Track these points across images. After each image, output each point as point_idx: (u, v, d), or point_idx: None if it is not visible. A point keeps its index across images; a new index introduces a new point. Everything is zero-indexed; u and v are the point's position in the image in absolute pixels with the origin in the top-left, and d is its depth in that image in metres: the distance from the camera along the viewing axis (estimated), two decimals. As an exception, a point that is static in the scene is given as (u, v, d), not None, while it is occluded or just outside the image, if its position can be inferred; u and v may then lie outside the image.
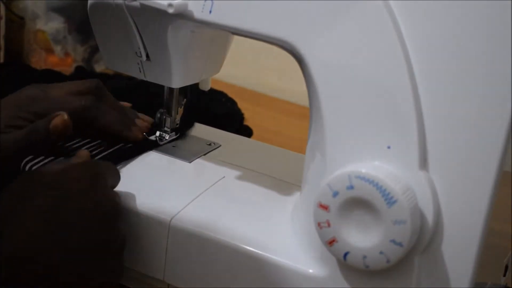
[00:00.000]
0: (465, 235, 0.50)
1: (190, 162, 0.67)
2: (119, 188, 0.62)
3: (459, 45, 0.49)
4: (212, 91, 0.88)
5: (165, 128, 0.69)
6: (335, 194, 0.50)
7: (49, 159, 0.63)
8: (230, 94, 1.05)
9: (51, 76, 0.93)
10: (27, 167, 0.62)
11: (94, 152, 0.64)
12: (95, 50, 1.07)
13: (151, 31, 0.61)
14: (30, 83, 0.64)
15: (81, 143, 0.66)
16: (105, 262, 0.54)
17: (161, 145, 0.68)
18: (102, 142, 0.66)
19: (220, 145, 0.70)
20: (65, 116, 0.59)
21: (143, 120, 0.69)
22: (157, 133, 0.69)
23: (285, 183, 0.65)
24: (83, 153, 0.61)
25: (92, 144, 0.66)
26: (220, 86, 1.04)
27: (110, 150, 0.66)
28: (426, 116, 0.50)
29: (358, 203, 0.50)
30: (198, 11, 0.57)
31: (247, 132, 0.95)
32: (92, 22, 0.65)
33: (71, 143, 0.66)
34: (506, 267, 0.60)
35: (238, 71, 1.14)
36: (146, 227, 0.59)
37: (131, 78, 0.79)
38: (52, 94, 0.63)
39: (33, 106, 0.61)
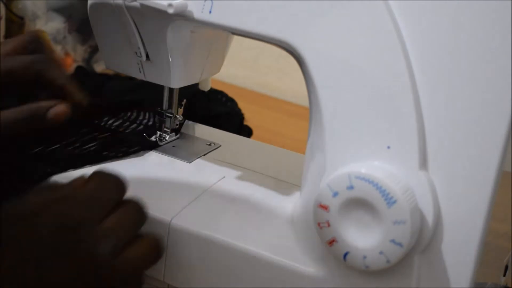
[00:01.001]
0: (465, 235, 0.50)
1: (190, 162, 0.67)
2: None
3: (459, 44, 0.49)
4: (212, 91, 0.88)
5: (165, 129, 0.69)
6: (335, 194, 0.50)
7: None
8: (230, 94, 1.05)
9: None
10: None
11: (93, 151, 0.64)
12: (95, 50, 1.07)
13: (151, 31, 0.61)
14: None
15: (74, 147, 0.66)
16: None
17: (161, 145, 0.68)
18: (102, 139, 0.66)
19: (220, 145, 0.70)
20: (66, 106, 0.57)
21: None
22: (157, 133, 0.69)
23: (285, 183, 0.65)
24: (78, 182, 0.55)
25: (91, 144, 0.66)
26: (220, 86, 1.04)
27: (110, 150, 0.66)
28: (426, 116, 0.50)
29: (358, 203, 0.50)
30: (198, 11, 0.57)
31: (247, 132, 0.95)
32: (92, 22, 0.65)
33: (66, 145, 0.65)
34: (506, 267, 0.60)
35: (238, 71, 1.14)
36: (146, 227, 0.59)
37: (131, 79, 0.79)
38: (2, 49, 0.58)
39: None
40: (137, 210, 0.54)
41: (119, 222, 0.52)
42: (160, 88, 0.68)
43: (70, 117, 0.58)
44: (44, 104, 0.57)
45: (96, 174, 0.54)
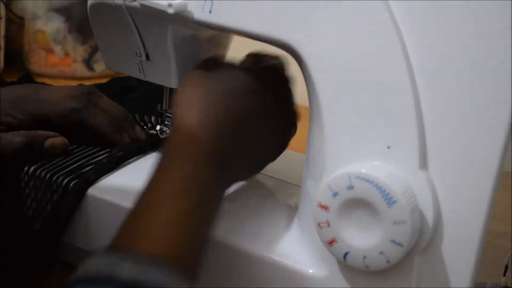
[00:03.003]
0: (465, 235, 0.50)
1: (190, 162, 0.67)
2: (119, 188, 0.62)
3: (459, 44, 0.49)
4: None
5: (166, 122, 0.69)
6: (335, 194, 0.50)
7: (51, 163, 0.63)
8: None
9: None
10: (30, 170, 0.62)
11: (97, 159, 0.64)
12: (95, 50, 1.07)
13: (151, 31, 0.61)
14: None
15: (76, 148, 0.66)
16: None
17: (162, 139, 0.68)
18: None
19: (220, 145, 0.70)
20: (65, 140, 0.60)
21: (136, 132, 0.68)
22: (158, 127, 0.69)
23: (285, 183, 0.65)
24: None
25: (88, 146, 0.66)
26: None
27: (111, 150, 0.65)
28: (426, 116, 0.50)
29: (358, 203, 0.50)
30: (198, 11, 0.57)
31: None
32: (92, 22, 0.65)
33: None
34: (506, 267, 0.60)
35: (238, 71, 1.14)
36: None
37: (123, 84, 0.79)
38: (44, 95, 0.63)
39: (25, 105, 0.62)
40: None
41: None
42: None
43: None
44: (41, 134, 0.61)
45: None
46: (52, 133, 0.61)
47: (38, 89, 0.64)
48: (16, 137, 0.60)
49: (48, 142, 0.60)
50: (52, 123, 0.63)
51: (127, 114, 0.67)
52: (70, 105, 0.63)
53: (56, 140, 0.61)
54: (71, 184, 0.61)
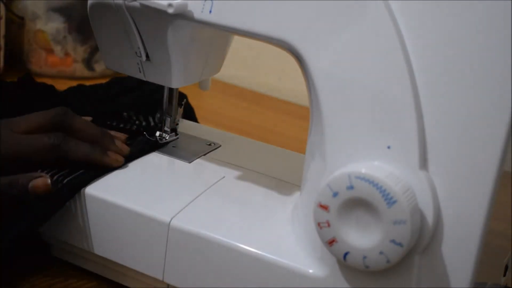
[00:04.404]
0: (465, 235, 0.50)
1: (190, 163, 0.67)
2: (119, 188, 0.62)
3: (459, 44, 0.49)
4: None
5: (165, 129, 0.69)
6: (335, 194, 0.50)
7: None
8: (230, 94, 1.05)
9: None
10: None
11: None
12: (95, 50, 1.07)
13: (151, 31, 0.61)
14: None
15: None
16: None
17: (161, 145, 0.68)
18: None
19: (220, 145, 0.70)
20: (48, 181, 0.60)
21: (119, 139, 0.66)
22: (157, 134, 0.69)
23: (285, 183, 0.65)
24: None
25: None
26: (220, 86, 1.04)
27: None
28: (426, 116, 0.50)
29: (358, 203, 0.50)
30: (198, 11, 0.57)
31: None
32: (92, 22, 0.65)
33: None
34: (506, 267, 0.60)
35: (238, 71, 1.14)
36: (146, 227, 0.59)
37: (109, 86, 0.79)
38: (19, 138, 0.62)
39: (4, 149, 0.61)
40: None
41: None
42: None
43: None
44: (24, 176, 0.60)
45: None
46: (33, 174, 0.60)
47: (10, 125, 0.62)
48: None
49: (31, 184, 0.60)
50: (33, 162, 0.62)
51: (103, 131, 0.65)
52: (48, 141, 0.61)
53: (38, 181, 0.60)
54: (65, 182, 0.61)
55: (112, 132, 0.67)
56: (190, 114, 0.80)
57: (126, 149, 0.65)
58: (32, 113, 0.64)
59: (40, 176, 0.60)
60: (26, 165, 0.61)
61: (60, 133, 0.62)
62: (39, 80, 0.79)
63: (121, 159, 0.64)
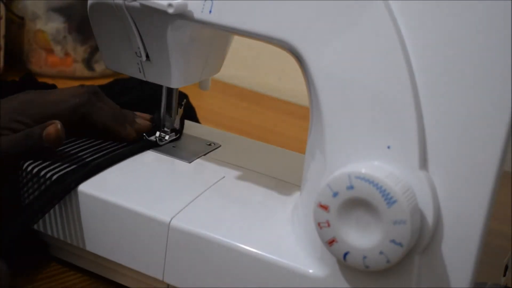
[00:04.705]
0: (465, 235, 0.50)
1: (190, 162, 0.67)
2: (119, 188, 0.62)
3: (459, 45, 0.49)
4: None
5: (165, 129, 0.69)
6: (335, 194, 0.50)
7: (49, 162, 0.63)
8: (230, 94, 1.04)
9: None
10: (29, 168, 0.62)
11: (93, 157, 0.64)
12: (95, 50, 1.07)
13: (151, 31, 0.61)
14: None
15: (77, 147, 0.66)
16: None
17: (161, 145, 0.68)
18: (100, 144, 0.66)
19: (220, 145, 0.70)
20: (58, 125, 0.62)
21: (142, 118, 0.70)
22: (157, 134, 0.69)
23: (285, 183, 0.65)
24: None
25: (89, 145, 0.66)
26: (220, 86, 1.04)
27: (109, 150, 0.65)
28: (426, 116, 0.50)
29: (358, 203, 0.50)
30: (198, 11, 0.57)
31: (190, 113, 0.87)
32: (92, 22, 0.65)
33: (68, 146, 0.66)
34: (506, 267, 0.60)
35: (238, 71, 1.14)
36: (146, 227, 0.59)
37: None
38: (48, 97, 0.65)
39: (29, 110, 0.64)
40: None
41: None
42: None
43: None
44: (38, 126, 0.63)
45: None
46: (46, 123, 0.63)
47: (42, 93, 0.66)
48: (14, 136, 0.62)
49: (44, 132, 0.62)
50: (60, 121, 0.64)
51: (127, 111, 0.69)
52: (74, 102, 0.65)
53: (49, 128, 0.62)
54: (55, 176, 0.61)
55: (137, 113, 0.70)
56: (191, 114, 0.80)
57: (146, 125, 0.69)
58: (63, 87, 0.68)
59: (51, 124, 0.62)
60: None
61: (87, 96, 0.66)
62: (39, 80, 0.79)
63: (134, 134, 0.68)
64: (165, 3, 0.57)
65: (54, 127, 0.62)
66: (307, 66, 0.53)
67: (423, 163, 0.50)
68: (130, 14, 0.61)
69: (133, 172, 0.64)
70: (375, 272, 0.51)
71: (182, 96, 0.73)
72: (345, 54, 0.52)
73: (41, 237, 0.65)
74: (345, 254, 0.51)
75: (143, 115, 0.70)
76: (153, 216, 0.59)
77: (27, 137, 0.62)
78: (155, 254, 0.59)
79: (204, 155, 0.68)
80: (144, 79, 0.65)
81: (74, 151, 0.65)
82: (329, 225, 0.51)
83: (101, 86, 0.80)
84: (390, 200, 0.48)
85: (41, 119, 0.63)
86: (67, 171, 0.62)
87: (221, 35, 0.65)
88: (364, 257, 0.50)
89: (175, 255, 0.58)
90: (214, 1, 0.56)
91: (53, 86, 0.76)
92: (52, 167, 0.62)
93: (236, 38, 0.65)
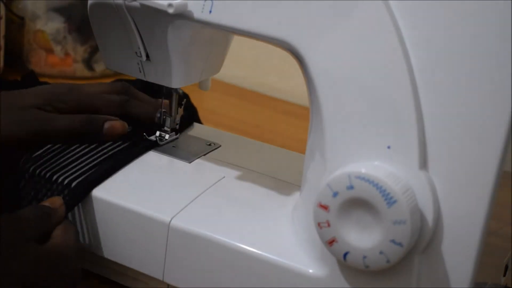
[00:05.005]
0: (465, 235, 0.50)
1: (190, 162, 0.67)
2: (119, 188, 0.62)
3: (459, 45, 0.49)
4: None
5: (165, 128, 0.69)
6: (335, 194, 0.50)
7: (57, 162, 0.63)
8: (230, 94, 1.04)
9: None
10: (36, 172, 0.62)
11: (99, 159, 0.64)
12: (95, 50, 1.07)
13: (151, 31, 0.61)
14: None
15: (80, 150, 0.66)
16: None
17: (161, 145, 0.68)
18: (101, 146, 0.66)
19: (220, 145, 0.70)
20: (126, 125, 0.64)
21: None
22: (157, 133, 0.69)
23: (285, 183, 0.65)
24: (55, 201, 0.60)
25: (91, 147, 0.66)
26: (220, 86, 1.04)
27: (110, 153, 0.65)
28: (426, 116, 0.50)
29: (358, 203, 0.50)
30: (198, 11, 0.57)
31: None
32: (92, 22, 0.65)
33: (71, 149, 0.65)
34: (506, 267, 0.60)
35: (238, 71, 1.14)
36: (146, 227, 0.59)
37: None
38: (88, 88, 0.67)
39: (73, 95, 0.65)
40: None
41: None
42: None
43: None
44: (101, 116, 0.64)
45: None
46: (110, 117, 0.64)
47: (78, 85, 0.67)
48: (77, 117, 0.63)
49: (108, 124, 0.64)
50: (100, 114, 0.65)
51: (158, 101, 0.70)
52: (119, 98, 0.67)
53: (116, 123, 0.64)
54: (74, 184, 0.61)
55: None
56: (193, 115, 0.80)
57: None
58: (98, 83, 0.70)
59: (117, 119, 0.64)
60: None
61: (125, 95, 0.68)
62: (39, 80, 0.79)
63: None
64: (165, 3, 0.57)
65: (121, 124, 0.64)
66: (307, 66, 0.53)
67: (423, 163, 0.50)
68: (130, 14, 0.61)
69: (133, 172, 0.64)
70: (375, 272, 0.51)
71: (183, 96, 0.73)
72: (345, 54, 0.52)
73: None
74: (345, 254, 0.51)
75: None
76: (153, 216, 0.59)
77: (89, 122, 0.63)
78: (155, 254, 0.59)
79: (204, 155, 0.68)
80: (144, 79, 0.65)
81: (79, 154, 0.64)
82: (329, 225, 0.51)
83: None
84: (390, 200, 0.48)
85: (83, 106, 0.64)
86: (84, 177, 0.62)
87: (221, 35, 0.65)
88: (364, 257, 0.50)
89: (175, 255, 0.58)
90: (214, 1, 0.56)
91: None
92: (63, 171, 0.62)
93: (236, 38, 0.65)
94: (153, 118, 0.68)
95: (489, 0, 0.47)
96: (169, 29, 0.60)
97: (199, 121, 0.81)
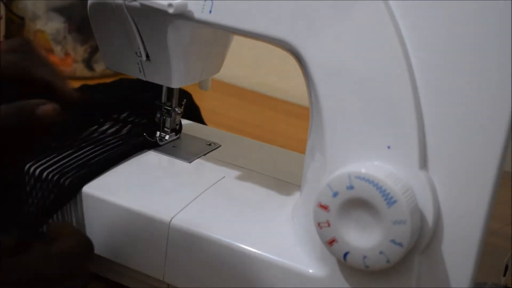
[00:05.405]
0: (465, 235, 0.50)
1: (190, 162, 0.67)
2: (119, 188, 0.62)
3: (459, 45, 0.49)
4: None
5: (165, 129, 0.69)
6: (335, 194, 0.50)
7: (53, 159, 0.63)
8: (230, 94, 1.04)
9: None
10: (31, 170, 0.62)
11: (92, 155, 0.64)
12: (95, 50, 1.07)
13: (151, 31, 0.61)
14: None
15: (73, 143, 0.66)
16: None
17: (161, 145, 0.68)
18: (97, 141, 0.66)
19: (220, 145, 0.70)
20: (57, 107, 0.53)
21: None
22: (157, 134, 0.69)
23: (285, 183, 0.65)
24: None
25: (87, 142, 0.66)
26: (220, 86, 1.04)
27: (108, 148, 0.65)
28: (426, 116, 0.50)
29: (358, 203, 0.50)
30: (198, 11, 0.57)
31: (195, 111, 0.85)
32: (92, 22, 0.65)
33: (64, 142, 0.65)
34: (506, 267, 0.60)
35: (238, 71, 1.14)
36: (146, 227, 0.59)
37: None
38: None
39: None
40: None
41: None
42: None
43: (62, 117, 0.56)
44: (33, 101, 0.54)
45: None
46: (42, 100, 0.54)
47: None
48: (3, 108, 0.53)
49: (39, 109, 0.53)
50: None
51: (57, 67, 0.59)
52: (12, 57, 0.55)
53: (47, 107, 0.54)
54: (67, 182, 0.61)
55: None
56: (195, 114, 0.80)
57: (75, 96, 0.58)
58: None
59: (46, 102, 0.54)
60: None
61: (22, 53, 0.56)
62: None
63: (75, 95, 0.57)
64: (165, 3, 0.57)
65: (53, 107, 0.53)
66: (306, 66, 0.53)
67: (423, 163, 0.50)
68: (130, 14, 0.61)
69: (133, 172, 0.64)
70: (375, 272, 0.51)
71: (186, 95, 0.74)
72: (345, 54, 0.52)
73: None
74: (345, 254, 0.51)
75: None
76: (153, 216, 0.59)
77: (18, 113, 0.53)
78: (155, 254, 0.59)
79: (204, 155, 0.68)
80: (144, 79, 0.65)
81: (71, 149, 0.64)
82: (329, 225, 0.51)
83: (102, 85, 0.80)
84: (390, 200, 0.48)
85: None
86: (73, 174, 0.61)
87: (221, 35, 0.65)
88: (364, 257, 0.50)
89: (175, 255, 0.58)
90: (214, 1, 0.56)
91: None
92: (53, 167, 0.62)
93: (236, 38, 0.65)
94: (52, 80, 0.56)
95: (489, 0, 0.47)
96: (169, 29, 0.60)
97: (201, 121, 0.81)
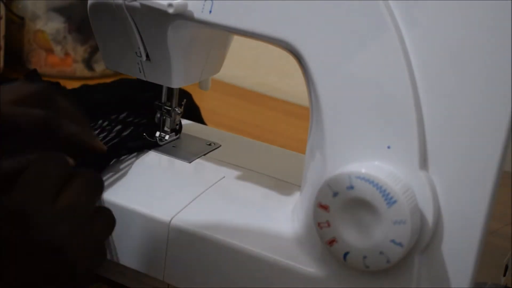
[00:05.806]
0: (465, 235, 0.50)
1: (190, 162, 0.67)
2: (119, 188, 0.62)
3: (459, 45, 0.49)
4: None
5: (165, 129, 0.69)
6: (335, 194, 0.50)
7: None
8: (230, 94, 1.04)
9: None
10: None
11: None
12: (95, 50, 1.07)
13: (151, 31, 0.61)
14: None
15: None
16: None
17: (161, 145, 0.68)
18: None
19: (220, 145, 0.70)
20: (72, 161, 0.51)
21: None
22: (157, 134, 0.69)
23: (285, 183, 0.65)
24: None
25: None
26: (220, 86, 1.04)
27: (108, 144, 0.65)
28: (426, 116, 0.50)
29: (358, 203, 0.50)
30: (198, 11, 0.57)
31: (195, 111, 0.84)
32: (92, 22, 0.65)
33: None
34: (506, 267, 0.60)
35: (238, 71, 1.14)
36: (146, 227, 0.59)
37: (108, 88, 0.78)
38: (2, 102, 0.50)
39: None
40: (92, 181, 0.50)
41: (75, 198, 0.48)
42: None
43: None
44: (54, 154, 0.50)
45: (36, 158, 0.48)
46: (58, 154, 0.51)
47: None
48: (23, 159, 0.49)
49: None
50: (24, 135, 0.51)
51: (84, 116, 0.56)
52: (42, 113, 0.51)
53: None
54: None
55: None
56: (195, 114, 0.80)
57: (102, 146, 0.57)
58: (10, 84, 0.53)
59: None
60: (16, 138, 0.50)
61: (49, 107, 0.52)
62: (39, 79, 0.78)
63: (104, 147, 0.56)
64: (165, 3, 0.57)
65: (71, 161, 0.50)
66: (307, 66, 0.53)
67: (423, 163, 0.50)
68: (130, 14, 0.61)
69: (133, 172, 0.64)
70: (375, 272, 0.51)
71: (186, 95, 0.73)
72: (345, 54, 0.52)
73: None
74: (345, 254, 0.51)
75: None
76: (153, 216, 0.59)
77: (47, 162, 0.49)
78: (155, 254, 0.59)
79: (204, 155, 0.68)
80: (144, 79, 0.65)
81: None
82: (329, 225, 0.51)
83: (102, 85, 0.80)
84: (390, 200, 0.48)
85: (4, 133, 0.49)
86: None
87: (221, 35, 0.65)
88: (364, 257, 0.50)
89: (175, 255, 0.58)
90: (214, 1, 0.56)
91: (57, 84, 0.76)
92: None
93: (236, 38, 0.65)
94: (81, 137, 0.53)
95: (489, 0, 0.47)
96: (169, 29, 0.60)
97: (201, 121, 0.81)
